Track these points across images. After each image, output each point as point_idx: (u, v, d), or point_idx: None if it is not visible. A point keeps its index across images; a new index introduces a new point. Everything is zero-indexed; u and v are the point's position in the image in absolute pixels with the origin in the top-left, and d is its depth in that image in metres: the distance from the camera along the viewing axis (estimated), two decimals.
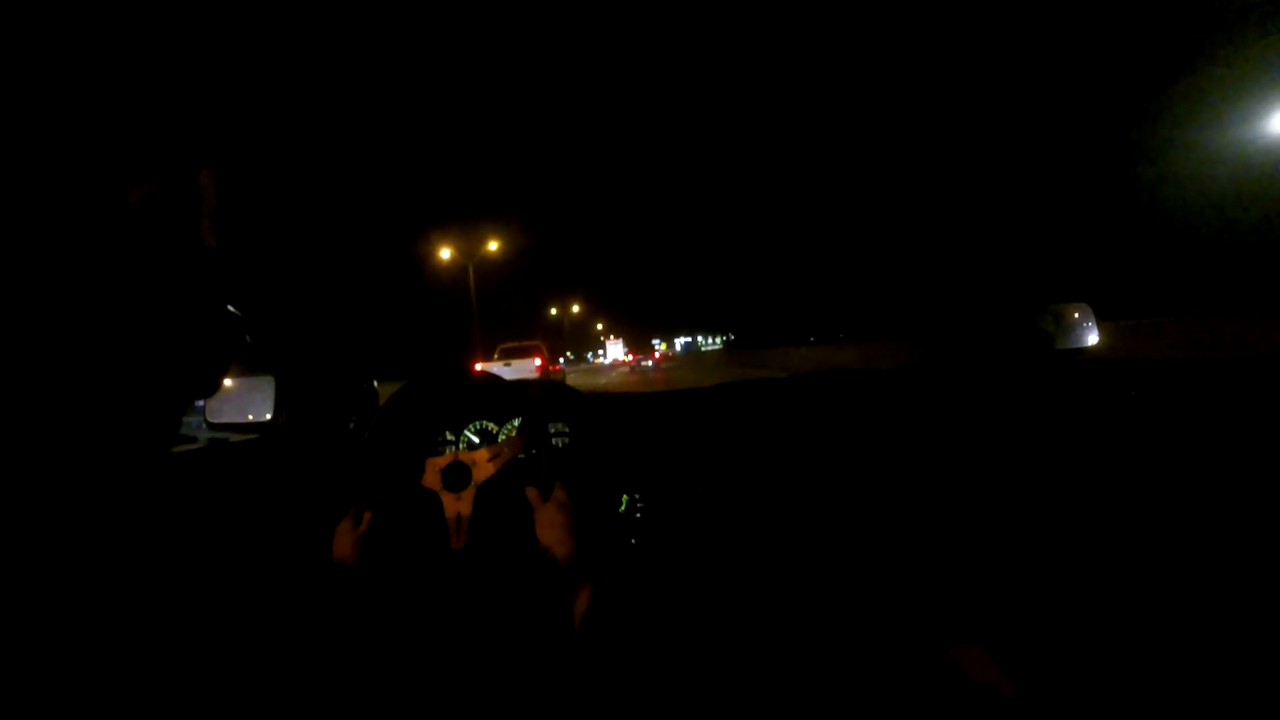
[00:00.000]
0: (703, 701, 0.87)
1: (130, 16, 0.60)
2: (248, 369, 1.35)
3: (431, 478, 1.02)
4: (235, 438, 1.34)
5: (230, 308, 0.61)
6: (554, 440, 1.20)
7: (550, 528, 0.93)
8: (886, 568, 1.04)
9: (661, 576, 1.08)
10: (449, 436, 1.21)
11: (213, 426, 1.38)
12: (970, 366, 1.40)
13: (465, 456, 1.03)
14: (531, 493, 0.99)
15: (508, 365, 12.55)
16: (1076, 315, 1.54)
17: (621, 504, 1.15)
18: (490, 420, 1.21)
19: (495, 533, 1.02)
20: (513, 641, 0.96)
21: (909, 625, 0.98)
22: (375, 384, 1.40)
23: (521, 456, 1.10)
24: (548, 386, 1.28)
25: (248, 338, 0.63)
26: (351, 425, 1.41)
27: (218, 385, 0.64)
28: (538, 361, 12.45)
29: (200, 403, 1.36)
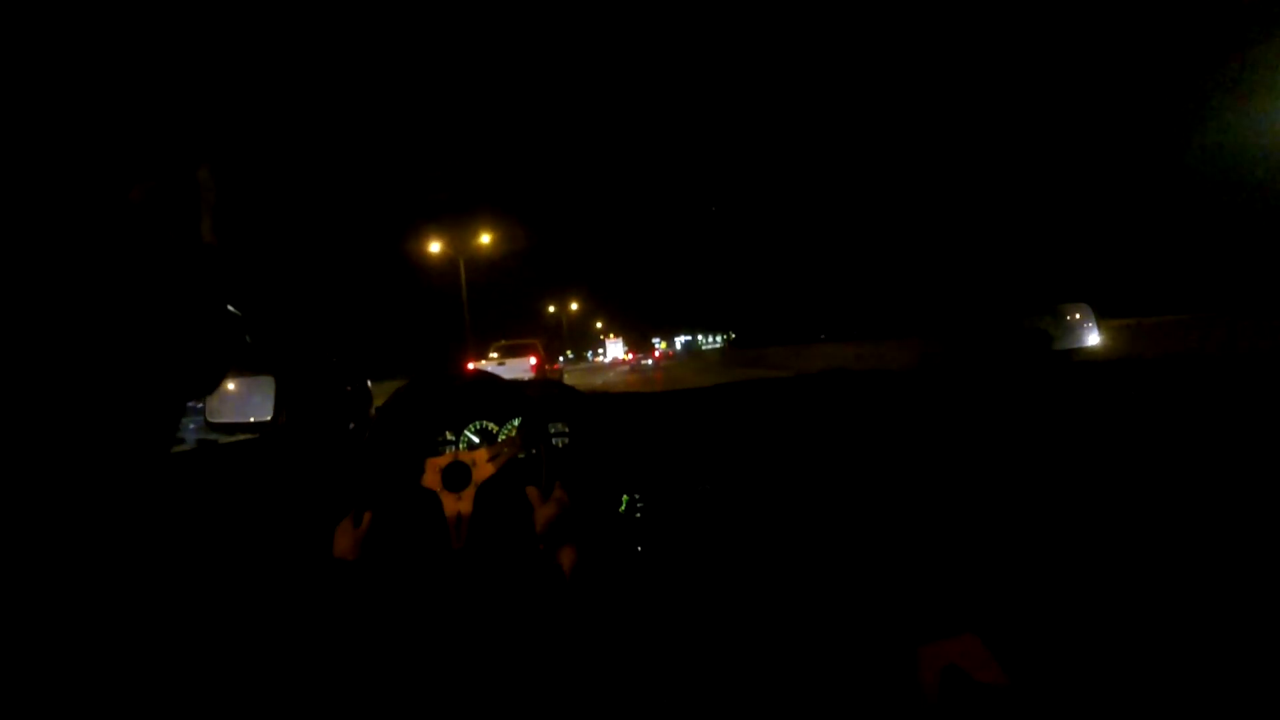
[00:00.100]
0: (699, 685, 0.87)
1: (130, 16, 0.59)
2: (248, 369, 1.35)
3: (431, 478, 1.02)
4: (225, 439, 1.34)
5: (230, 308, 0.61)
6: (554, 440, 1.20)
7: (550, 528, 0.93)
8: (885, 565, 1.04)
9: (661, 575, 1.08)
10: (449, 436, 1.21)
11: (212, 426, 1.38)
12: (969, 366, 1.40)
13: (465, 456, 1.03)
14: (531, 492, 0.99)
15: (501, 364, 12.09)
16: (1077, 316, 1.54)
17: (621, 504, 1.15)
18: (490, 420, 1.21)
19: (495, 533, 1.02)
20: (512, 641, 0.96)
21: (906, 620, 0.98)
22: (369, 384, 1.40)
23: (521, 456, 1.09)
24: (547, 386, 1.28)
25: (248, 338, 0.63)
26: (351, 426, 1.41)
27: (218, 384, 0.64)
28: (533, 360, 12.05)
29: (198, 404, 1.37)
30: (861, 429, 1.22)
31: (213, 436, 1.35)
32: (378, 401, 1.15)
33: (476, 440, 1.21)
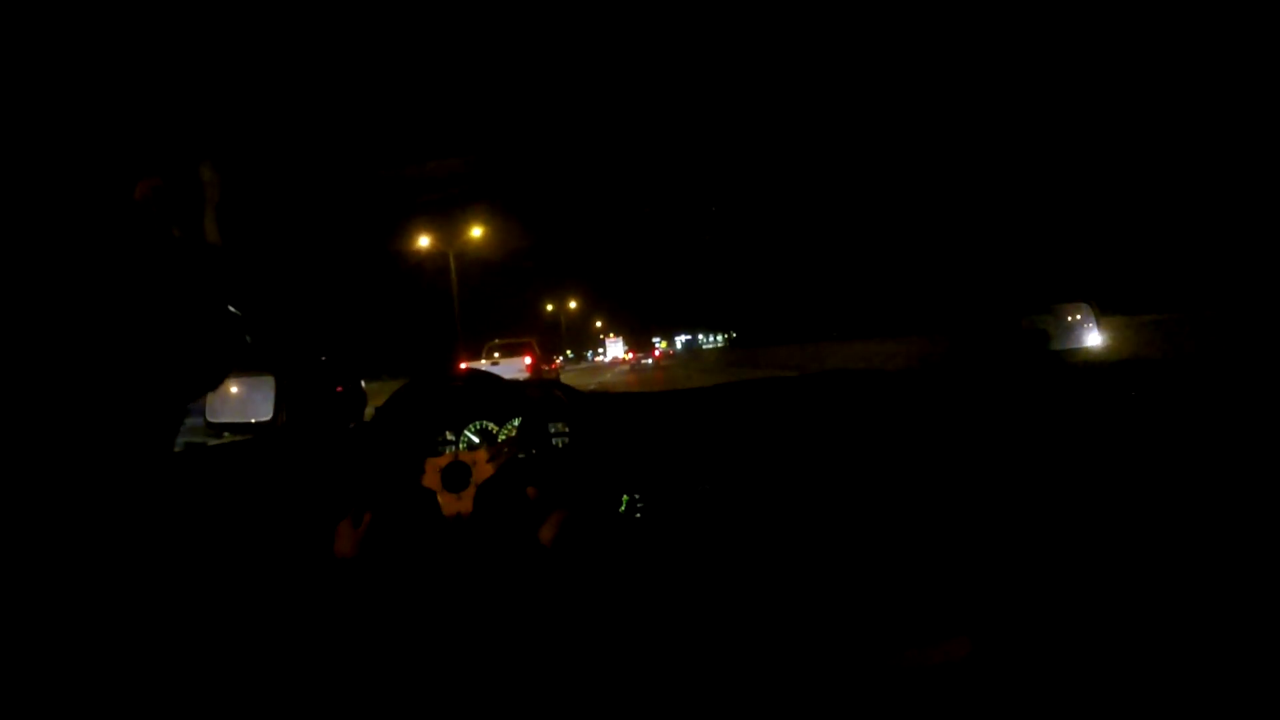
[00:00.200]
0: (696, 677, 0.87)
1: (132, 12, 0.59)
2: (248, 369, 1.35)
3: (431, 478, 1.02)
4: (213, 441, 1.34)
5: (231, 308, 0.61)
6: (554, 440, 1.20)
7: (550, 527, 0.93)
8: (884, 565, 1.04)
9: (661, 575, 1.08)
10: (449, 436, 1.21)
11: (213, 426, 1.38)
12: (968, 365, 1.40)
13: (465, 456, 1.03)
14: (531, 493, 0.99)
15: (495, 364, 11.75)
16: (1078, 316, 1.54)
17: (621, 504, 1.15)
18: (490, 420, 1.21)
19: (495, 533, 1.02)
20: (512, 640, 0.96)
21: (904, 620, 0.98)
22: (363, 384, 1.40)
23: (521, 456, 1.10)
24: (547, 386, 1.28)
25: (248, 338, 0.63)
26: (351, 426, 1.41)
27: (219, 383, 0.64)
28: (528, 360, 11.70)
29: (195, 405, 1.36)
30: (860, 429, 1.22)
31: (199, 440, 1.34)
32: (377, 401, 1.15)
33: (476, 440, 1.21)
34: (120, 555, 0.53)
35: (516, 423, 1.19)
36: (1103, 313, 1.54)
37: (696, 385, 1.43)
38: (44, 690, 0.47)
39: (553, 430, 1.21)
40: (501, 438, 1.20)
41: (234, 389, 1.38)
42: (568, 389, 1.25)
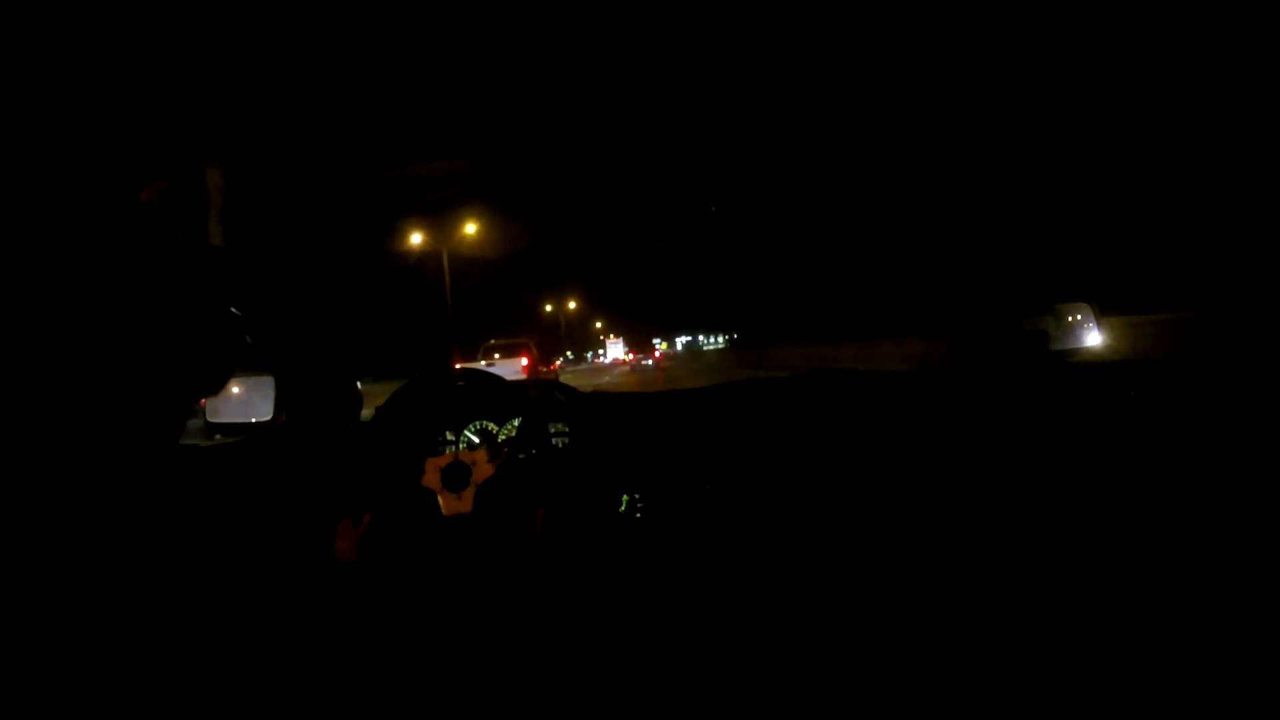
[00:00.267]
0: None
1: (139, 16, 0.60)
2: (248, 369, 1.35)
3: (431, 478, 1.02)
4: (204, 443, 1.34)
5: (232, 308, 0.61)
6: (554, 440, 1.20)
7: (550, 528, 0.93)
8: (884, 565, 1.04)
9: (661, 575, 1.08)
10: (449, 436, 1.21)
11: (213, 426, 1.38)
12: (968, 366, 1.40)
13: (465, 456, 1.03)
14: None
15: (491, 365, 11.11)
16: (1079, 316, 1.54)
17: (621, 504, 1.15)
18: (490, 420, 1.21)
19: (495, 533, 1.02)
20: (512, 640, 0.96)
21: (905, 620, 0.98)
22: (359, 385, 1.40)
23: (521, 456, 1.10)
24: (547, 387, 1.28)
25: (248, 338, 0.63)
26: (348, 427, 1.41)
27: (223, 384, 0.64)
28: (525, 361, 11.26)
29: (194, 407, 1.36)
30: (861, 429, 1.22)
31: (191, 441, 1.34)
32: (378, 402, 1.15)
33: (476, 440, 1.21)
34: (123, 555, 0.53)
35: (516, 423, 1.20)
36: (1103, 313, 1.54)
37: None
38: (44, 690, 0.47)
39: (553, 430, 1.21)
40: (501, 438, 1.20)
41: (234, 389, 1.38)
42: (568, 389, 1.25)
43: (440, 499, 1.01)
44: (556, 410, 1.21)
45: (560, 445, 1.20)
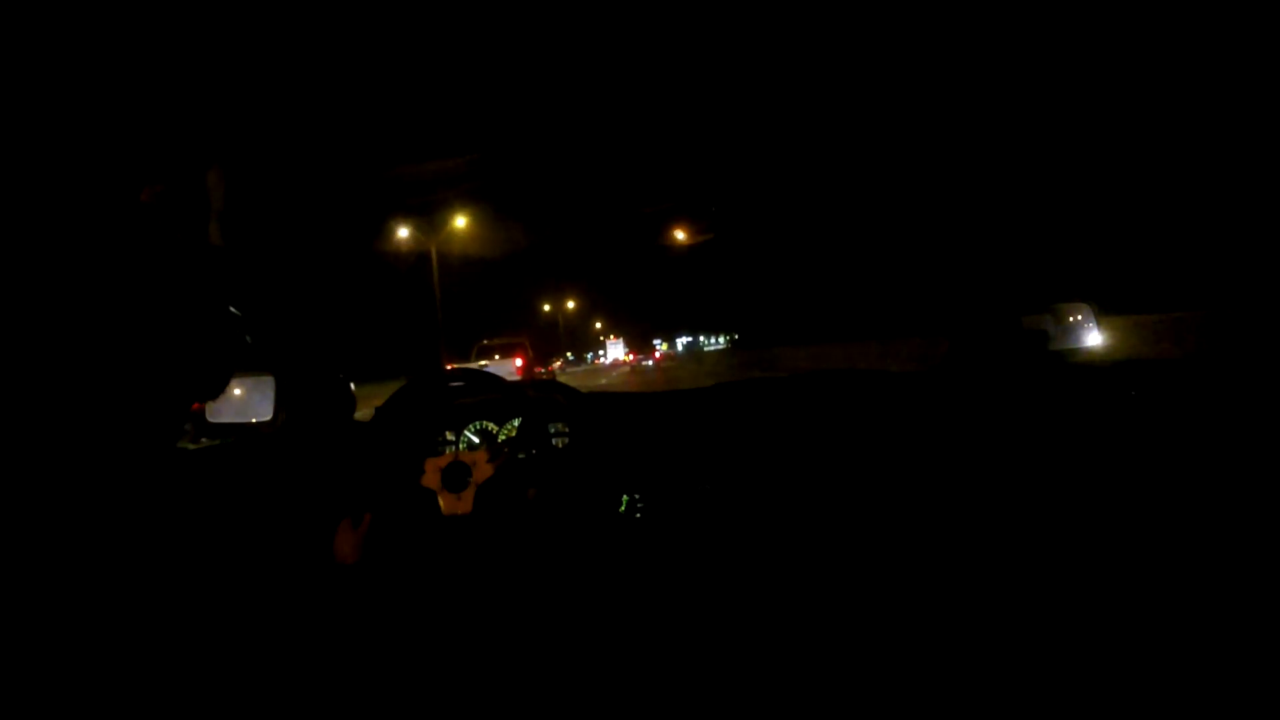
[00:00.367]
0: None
1: (139, 17, 0.60)
2: (248, 369, 1.35)
3: (431, 478, 1.02)
4: (191, 447, 1.34)
5: (232, 309, 0.61)
6: (554, 440, 1.20)
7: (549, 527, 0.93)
8: (885, 565, 1.04)
9: (662, 576, 1.08)
10: (449, 436, 1.21)
11: (212, 427, 1.38)
12: (968, 366, 1.40)
13: (465, 456, 1.03)
14: (531, 494, 0.99)
15: (485, 365, 10.76)
16: (1078, 316, 1.54)
17: (621, 504, 1.15)
18: (490, 420, 1.22)
19: (495, 533, 1.02)
20: (513, 640, 0.96)
21: (906, 622, 0.98)
22: (352, 385, 1.39)
23: (521, 456, 1.10)
24: (547, 387, 1.28)
25: (248, 338, 0.63)
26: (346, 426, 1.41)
27: (224, 386, 0.64)
28: (519, 361, 10.89)
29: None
30: (861, 429, 1.22)
31: (182, 444, 1.34)
32: (377, 402, 1.15)
33: (476, 440, 1.21)
34: (123, 556, 0.53)
35: (516, 423, 1.20)
36: (1102, 313, 1.54)
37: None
38: (44, 690, 0.47)
39: (553, 430, 1.21)
40: (501, 438, 1.21)
41: (234, 389, 1.38)
42: (567, 389, 1.25)
43: (440, 499, 1.01)
44: (556, 410, 1.21)
45: (560, 445, 1.20)
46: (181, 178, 0.57)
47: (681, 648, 0.97)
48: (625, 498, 1.15)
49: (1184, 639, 0.89)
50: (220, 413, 1.40)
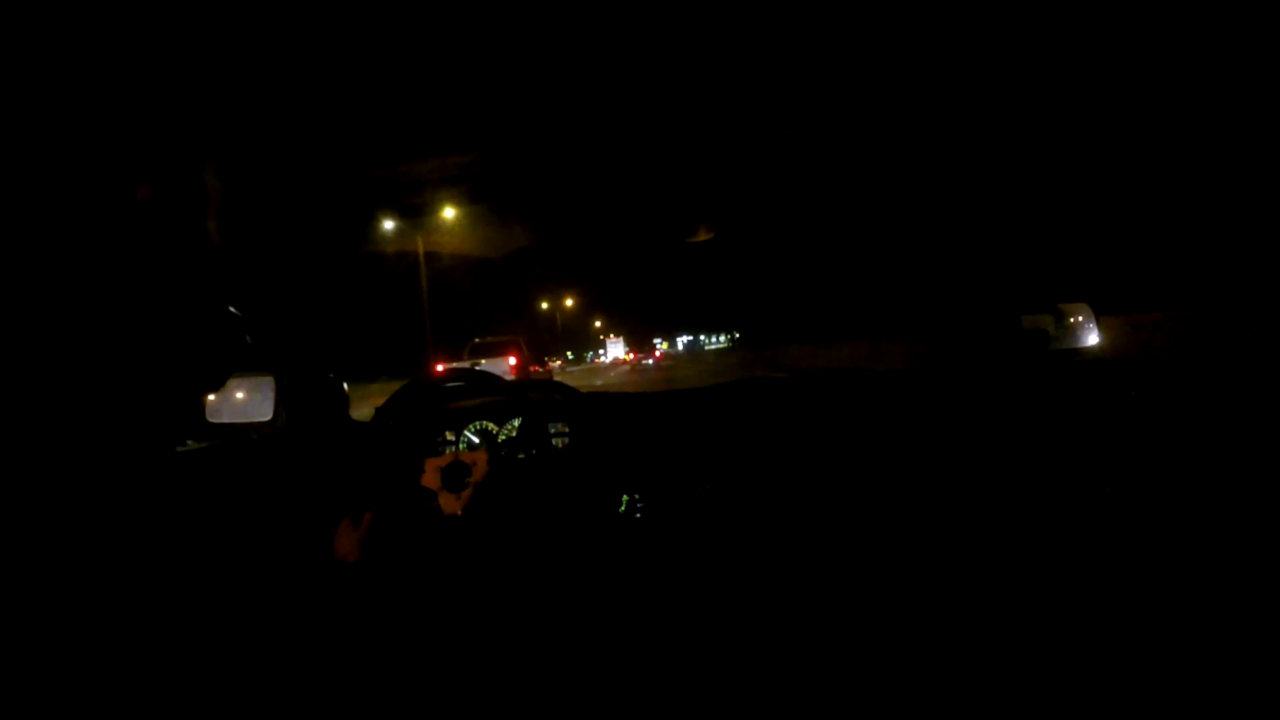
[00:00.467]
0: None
1: (136, 17, 0.60)
2: (248, 369, 1.35)
3: (431, 478, 1.02)
4: (180, 449, 1.33)
5: (231, 309, 0.61)
6: (554, 440, 1.20)
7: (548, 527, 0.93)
8: (884, 564, 1.04)
9: (662, 575, 1.08)
10: (449, 436, 1.21)
11: (212, 427, 1.38)
12: (967, 365, 1.40)
13: (465, 456, 1.03)
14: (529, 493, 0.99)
15: (476, 365, 11.16)
16: (1079, 317, 1.54)
17: (621, 504, 1.15)
18: (490, 420, 1.22)
19: (495, 533, 1.02)
20: (513, 639, 0.96)
21: (905, 620, 0.98)
22: (345, 386, 1.39)
23: (521, 456, 1.10)
24: (548, 387, 1.28)
25: (248, 338, 0.63)
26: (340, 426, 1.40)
27: (222, 383, 0.64)
28: (513, 360, 10.50)
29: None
30: (862, 429, 1.22)
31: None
32: (376, 402, 1.15)
33: (476, 440, 1.21)
34: (124, 555, 0.53)
35: (516, 423, 1.20)
36: (1099, 313, 1.54)
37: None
38: (44, 690, 0.47)
39: (553, 430, 1.21)
40: (501, 438, 1.20)
41: (234, 389, 1.38)
42: (567, 389, 1.25)
43: (440, 499, 1.01)
44: (556, 410, 1.21)
45: (560, 445, 1.20)
46: (178, 176, 0.57)
47: (681, 647, 0.97)
48: (625, 498, 1.15)
49: (1184, 637, 0.89)
50: (220, 413, 1.39)
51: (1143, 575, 0.96)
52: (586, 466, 1.14)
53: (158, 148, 0.57)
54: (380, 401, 1.10)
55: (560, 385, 1.28)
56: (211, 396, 1.35)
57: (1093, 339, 1.50)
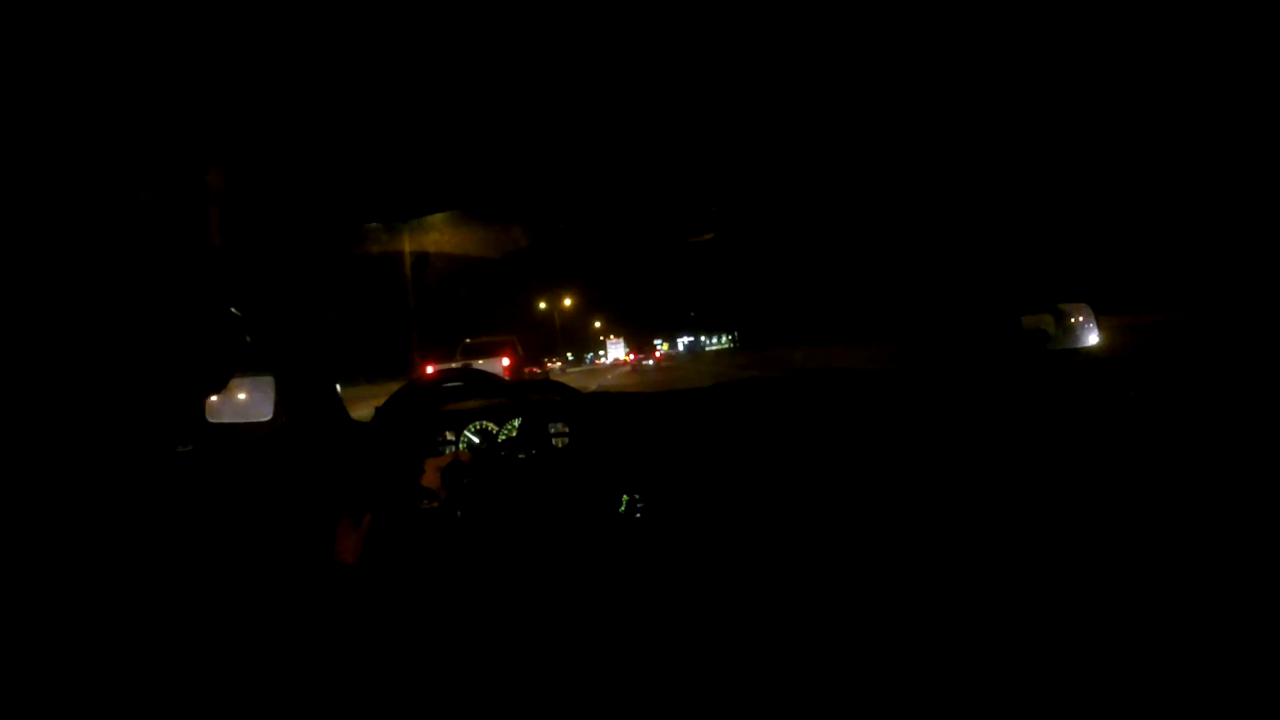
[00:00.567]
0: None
1: (140, 18, 0.60)
2: (248, 369, 1.35)
3: (431, 478, 1.02)
4: (181, 449, 1.33)
5: (232, 309, 0.61)
6: (554, 440, 1.20)
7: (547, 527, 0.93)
8: (884, 564, 1.04)
9: (662, 575, 1.08)
10: (449, 436, 1.21)
11: (212, 427, 1.38)
12: (967, 365, 1.40)
13: (465, 456, 1.03)
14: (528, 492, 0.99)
15: (468, 366, 10.66)
16: (1080, 317, 1.54)
17: (621, 504, 1.15)
18: (490, 420, 1.22)
19: (494, 533, 1.02)
20: (513, 639, 0.96)
21: (904, 619, 0.98)
22: (338, 387, 1.39)
23: (521, 456, 1.10)
24: (548, 387, 1.28)
25: (248, 338, 0.63)
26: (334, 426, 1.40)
27: (224, 384, 0.64)
28: (506, 361, 10.31)
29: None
30: (861, 429, 1.22)
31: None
32: (377, 402, 1.15)
33: (476, 440, 1.21)
34: (123, 557, 0.53)
35: (516, 423, 1.20)
36: (1099, 313, 1.54)
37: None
38: (44, 690, 0.47)
39: (553, 430, 1.21)
40: (501, 438, 1.20)
41: (234, 389, 1.38)
42: (567, 389, 1.25)
43: (440, 499, 1.01)
44: (556, 410, 1.21)
45: (560, 445, 1.20)
46: (180, 177, 0.57)
47: (681, 646, 0.97)
48: (625, 498, 1.15)
49: (1184, 636, 0.89)
50: (220, 413, 1.40)
51: (1142, 575, 0.96)
52: (586, 467, 1.14)
53: (160, 150, 0.57)
54: (354, 404, 1.10)
55: (560, 385, 1.28)
56: (213, 397, 1.35)
57: (1093, 339, 1.50)
